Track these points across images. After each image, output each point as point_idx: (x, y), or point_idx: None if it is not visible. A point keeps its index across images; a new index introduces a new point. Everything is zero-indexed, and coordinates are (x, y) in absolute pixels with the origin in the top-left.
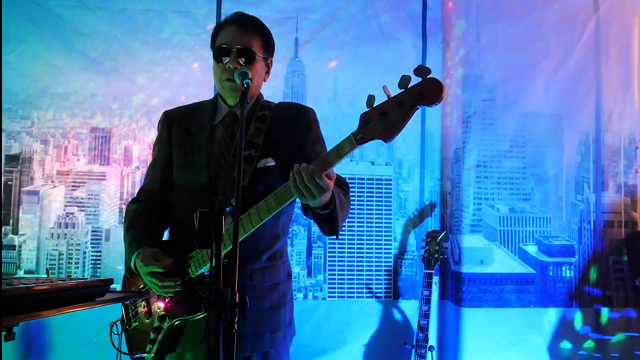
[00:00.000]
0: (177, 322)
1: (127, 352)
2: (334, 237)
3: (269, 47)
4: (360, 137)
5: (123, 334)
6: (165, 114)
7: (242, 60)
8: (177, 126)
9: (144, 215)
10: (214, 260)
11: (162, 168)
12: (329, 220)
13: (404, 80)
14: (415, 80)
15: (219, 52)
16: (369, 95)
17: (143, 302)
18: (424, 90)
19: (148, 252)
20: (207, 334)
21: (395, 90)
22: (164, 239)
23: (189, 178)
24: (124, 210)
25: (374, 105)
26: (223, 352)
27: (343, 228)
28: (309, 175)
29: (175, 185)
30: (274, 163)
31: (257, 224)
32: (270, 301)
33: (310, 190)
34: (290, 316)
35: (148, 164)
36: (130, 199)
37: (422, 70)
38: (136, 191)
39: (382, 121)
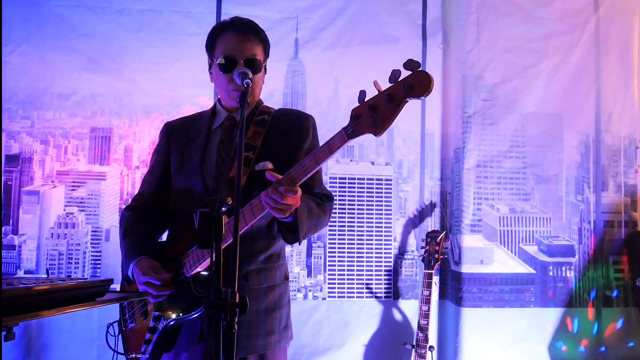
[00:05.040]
0: (172, 322)
1: (122, 352)
2: (297, 243)
3: (267, 50)
4: (351, 131)
5: (120, 335)
6: (166, 125)
7: (248, 70)
8: (177, 135)
9: (140, 222)
10: (214, 259)
11: (158, 175)
12: (292, 229)
13: (394, 75)
14: (405, 74)
15: (226, 63)
16: (360, 90)
17: (139, 303)
18: (412, 83)
19: (146, 263)
20: (206, 335)
21: (387, 86)
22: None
23: (184, 182)
24: None
25: (364, 100)
26: (219, 353)
27: (343, 228)
28: (279, 195)
29: (174, 190)
30: (271, 166)
31: (251, 221)
32: (265, 303)
33: (286, 205)
34: (287, 320)
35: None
36: (124, 206)
37: (411, 64)
38: (136, 191)
39: (372, 115)
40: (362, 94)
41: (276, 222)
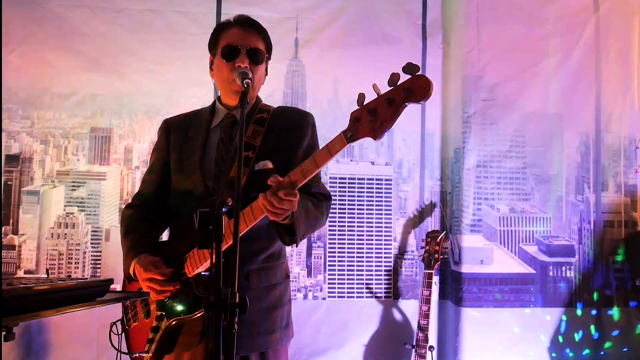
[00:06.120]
0: (174, 322)
1: (126, 352)
2: (295, 245)
3: (269, 49)
4: (350, 134)
5: (123, 334)
6: (165, 122)
7: (250, 60)
8: (176, 133)
9: (141, 220)
10: (213, 259)
11: (158, 173)
12: (289, 231)
13: (393, 78)
14: (404, 77)
15: (229, 51)
16: (359, 93)
17: (142, 303)
18: (412, 87)
19: (148, 259)
20: (207, 334)
21: (386, 89)
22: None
23: (184, 181)
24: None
25: (364, 103)
26: (219, 353)
27: (343, 228)
28: (277, 199)
29: (173, 189)
30: (271, 165)
31: (251, 223)
32: (267, 302)
33: (282, 209)
34: (288, 318)
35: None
36: (125, 205)
37: (410, 68)
38: (136, 191)
39: (371, 119)
40: (361, 97)
41: (273, 223)
